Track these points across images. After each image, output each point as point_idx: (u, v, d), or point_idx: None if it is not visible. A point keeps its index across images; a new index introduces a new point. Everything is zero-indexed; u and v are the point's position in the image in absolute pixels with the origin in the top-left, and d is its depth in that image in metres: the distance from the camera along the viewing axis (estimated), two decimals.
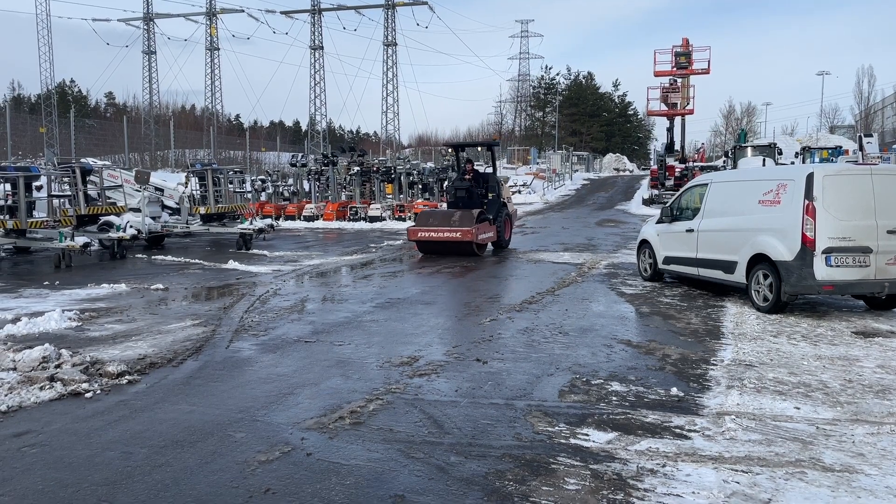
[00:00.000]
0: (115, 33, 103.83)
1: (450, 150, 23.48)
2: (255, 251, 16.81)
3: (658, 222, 11.46)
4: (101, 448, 4.42)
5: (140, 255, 15.96)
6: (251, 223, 17.69)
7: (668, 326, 8.09)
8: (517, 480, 3.95)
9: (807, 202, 8.21)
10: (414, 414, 5.06)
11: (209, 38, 72.73)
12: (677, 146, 35.32)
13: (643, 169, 66.90)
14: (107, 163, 22.85)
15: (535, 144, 75.16)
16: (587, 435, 4.64)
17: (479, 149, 20.85)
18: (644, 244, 11.71)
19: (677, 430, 4.72)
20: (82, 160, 19.07)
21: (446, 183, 22.54)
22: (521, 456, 4.30)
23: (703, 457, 4.27)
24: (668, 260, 10.95)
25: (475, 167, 17.22)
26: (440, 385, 5.78)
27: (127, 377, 5.86)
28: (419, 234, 15.49)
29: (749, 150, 29.50)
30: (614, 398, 5.42)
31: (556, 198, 39.18)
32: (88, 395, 5.44)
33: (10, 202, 14.34)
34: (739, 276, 9.16)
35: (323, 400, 5.40)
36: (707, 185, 10.30)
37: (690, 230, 10.22)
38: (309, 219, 26.40)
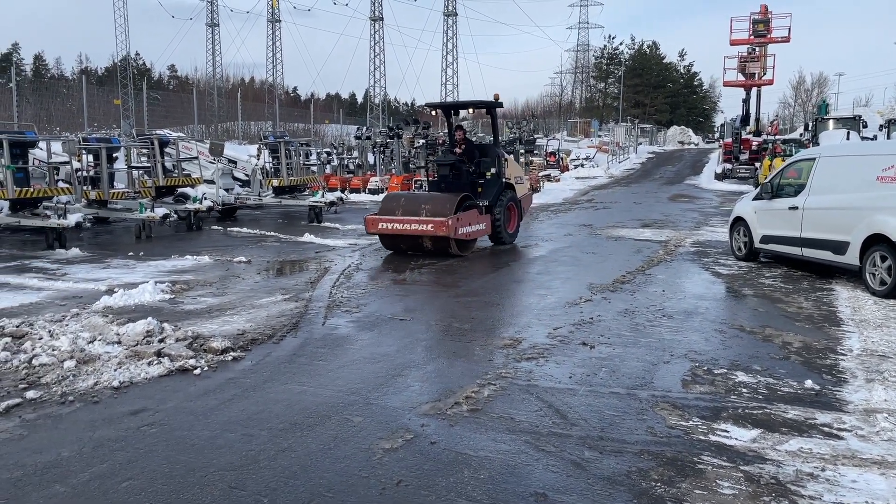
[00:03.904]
0: (178, 7, 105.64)
1: (433, 112, 17.23)
2: (326, 224, 16.75)
3: (755, 199, 10.84)
4: (220, 429, 4.31)
5: (215, 227, 16.11)
6: (322, 196, 17.63)
7: (778, 311, 7.61)
8: (664, 481, 3.66)
9: None
10: (532, 402, 4.81)
11: (271, 10, 73.20)
12: (753, 118, 33.81)
13: (708, 142, 64.63)
14: (181, 134, 23.14)
15: (595, 116, 73.43)
16: (727, 431, 4.30)
17: (470, 112, 14.66)
18: (738, 222, 11.11)
19: (826, 429, 4.34)
20: (157, 131, 19.32)
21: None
22: (660, 453, 4.00)
23: (864, 460, 3.89)
24: (766, 239, 10.36)
25: (467, 136, 13.35)
26: (551, 370, 5.50)
27: (231, 353, 5.78)
28: (379, 226, 11.53)
29: (831, 122, 27.93)
30: (744, 390, 5.05)
31: (620, 172, 38.12)
32: (196, 371, 5.37)
33: (92, 173, 14.60)
34: (851, 257, 8.56)
35: (433, 383, 5.20)
36: (815, 159, 9.63)
37: (794, 207, 9.60)
38: (374, 192, 26.22)
